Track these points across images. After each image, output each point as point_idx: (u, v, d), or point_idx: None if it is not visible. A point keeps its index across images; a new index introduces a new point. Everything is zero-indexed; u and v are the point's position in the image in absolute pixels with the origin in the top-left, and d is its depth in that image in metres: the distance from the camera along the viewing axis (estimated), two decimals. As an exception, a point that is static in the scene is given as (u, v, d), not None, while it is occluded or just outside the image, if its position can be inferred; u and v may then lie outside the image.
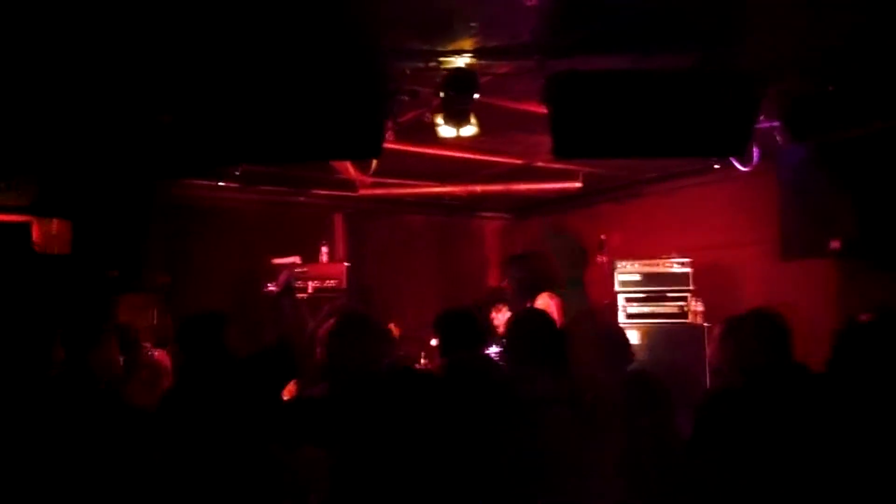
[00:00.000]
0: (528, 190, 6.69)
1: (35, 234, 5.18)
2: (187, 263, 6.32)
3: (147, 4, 3.00)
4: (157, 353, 4.83)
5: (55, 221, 5.24)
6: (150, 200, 5.62)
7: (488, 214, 8.42)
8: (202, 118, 3.69)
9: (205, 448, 2.75)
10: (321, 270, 6.52)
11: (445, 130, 3.75)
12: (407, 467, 2.52)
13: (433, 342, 4.88)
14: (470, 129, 3.73)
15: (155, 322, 5.87)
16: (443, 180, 6.68)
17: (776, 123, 4.24)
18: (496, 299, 6.24)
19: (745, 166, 4.56)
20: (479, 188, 6.67)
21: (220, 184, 5.96)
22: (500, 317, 6.10)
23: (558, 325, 3.08)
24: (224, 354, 3.04)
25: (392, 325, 5.24)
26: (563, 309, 4.99)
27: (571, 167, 6.21)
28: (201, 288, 6.31)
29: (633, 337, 5.93)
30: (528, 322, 2.72)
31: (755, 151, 4.51)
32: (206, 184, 6.19)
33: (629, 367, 3.05)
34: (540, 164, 5.98)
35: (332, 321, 2.93)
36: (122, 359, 4.53)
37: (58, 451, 1.47)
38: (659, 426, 2.48)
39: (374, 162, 4.59)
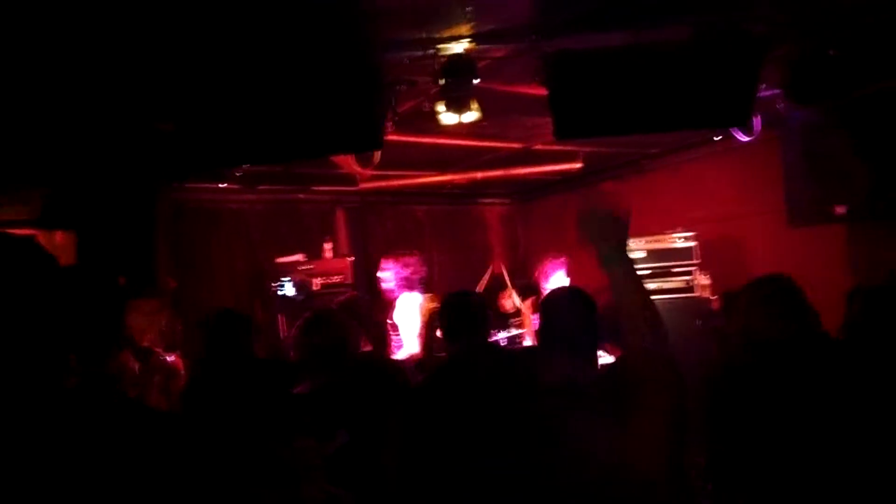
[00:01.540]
0: (529, 174, 6.68)
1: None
2: (193, 266, 6.33)
3: (139, 10, 2.99)
4: (170, 358, 4.85)
5: (58, 233, 5.25)
6: (154, 206, 5.62)
7: (490, 200, 8.41)
8: (202, 121, 3.68)
9: (216, 446, 2.80)
10: (326, 266, 6.51)
11: (447, 118, 3.73)
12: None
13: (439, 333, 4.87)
14: (471, 115, 3.71)
15: (164, 327, 5.87)
16: (443, 169, 6.67)
17: (777, 91, 4.21)
18: (504, 285, 6.27)
19: (747, 136, 4.53)
20: (479, 175, 6.66)
21: (221, 186, 5.94)
22: (509, 302, 6.15)
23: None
24: (247, 355, 3.09)
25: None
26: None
27: (571, 148, 6.19)
28: (208, 290, 6.32)
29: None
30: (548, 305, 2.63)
31: (757, 120, 4.49)
32: (207, 186, 6.17)
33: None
34: (539, 146, 5.97)
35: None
36: (137, 366, 4.55)
37: (87, 464, 1.46)
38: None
39: (377, 154, 4.57)
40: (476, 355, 2.81)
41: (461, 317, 2.89)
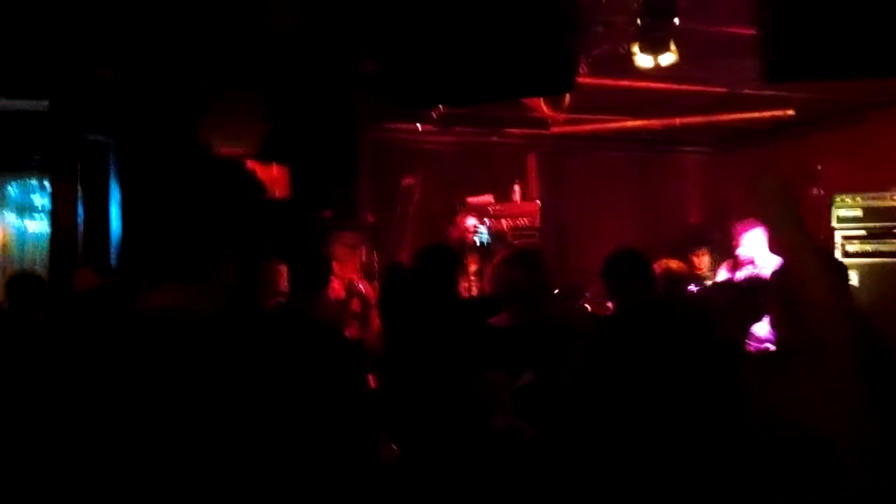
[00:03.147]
0: (733, 120, 6.28)
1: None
2: (391, 203, 6.70)
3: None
4: (365, 287, 5.24)
5: (274, 166, 5.78)
6: (357, 145, 6.01)
7: (689, 148, 8.03)
8: (401, 63, 3.84)
9: (410, 373, 3.02)
10: (514, 209, 6.62)
11: (643, 60, 3.62)
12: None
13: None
14: (669, 58, 3.57)
15: (364, 258, 6.29)
16: (639, 114, 6.46)
17: None
18: (698, 242, 5.95)
19: None
20: (678, 121, 6.37)
21: (420, 128, 6.19)
22: (704, 261, 5.79)
23: None
24: (450, 289, 3.27)
25: None
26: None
27: (782, 93, 5.74)
28: (403, 226, 6.68)
29: (853, 277, 5.46)
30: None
31: None
32: (406, 127, 6.48)
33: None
34: (747, 91, 5.58)
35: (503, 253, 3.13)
36: (340, 293, 4.96)
37: (290, 384, 1.62)
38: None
39: (567, 98, 4.53)
40: (653, 309, 2.79)
41: (632, 271, 2.89)
